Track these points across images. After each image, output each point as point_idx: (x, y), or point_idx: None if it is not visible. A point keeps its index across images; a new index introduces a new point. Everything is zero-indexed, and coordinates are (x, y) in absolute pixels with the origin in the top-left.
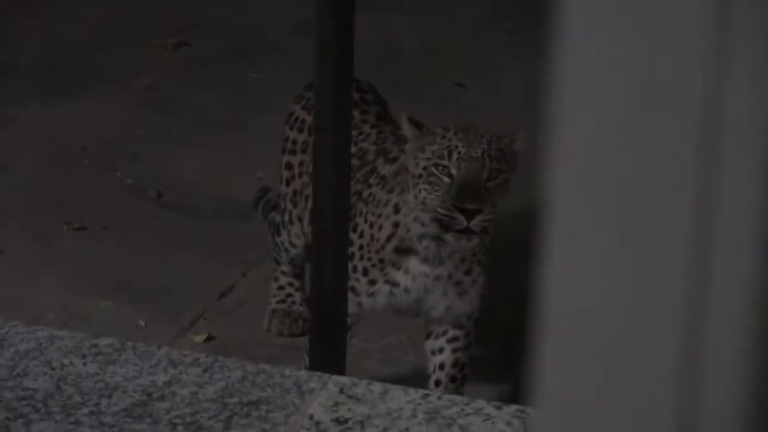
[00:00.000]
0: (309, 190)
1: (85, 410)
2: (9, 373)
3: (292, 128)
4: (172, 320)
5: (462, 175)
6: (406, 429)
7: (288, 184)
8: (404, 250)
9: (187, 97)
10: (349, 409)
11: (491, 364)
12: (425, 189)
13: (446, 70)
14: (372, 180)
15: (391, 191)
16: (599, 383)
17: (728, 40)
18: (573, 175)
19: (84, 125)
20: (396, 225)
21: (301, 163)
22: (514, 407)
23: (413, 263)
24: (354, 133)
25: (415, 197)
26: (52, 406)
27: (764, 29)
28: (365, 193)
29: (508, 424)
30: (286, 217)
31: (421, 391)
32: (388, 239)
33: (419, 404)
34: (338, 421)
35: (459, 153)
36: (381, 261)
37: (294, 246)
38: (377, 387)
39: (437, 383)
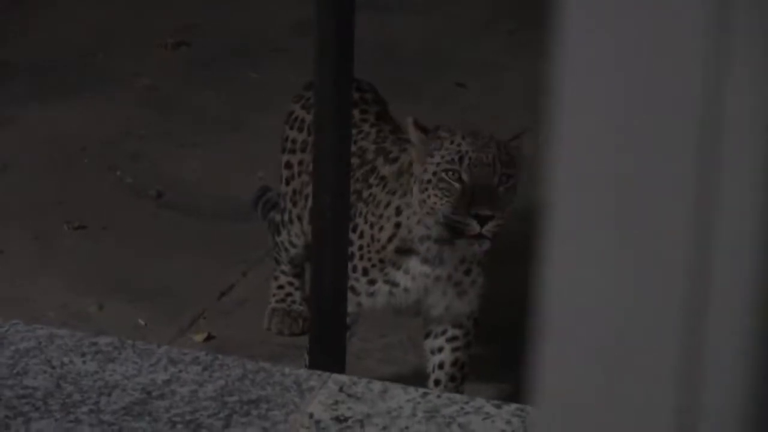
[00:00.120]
0: (308, 190)
1: (84, 408)
2: (9, 371)
3: (291, 127)
4: (172, 320)
5: (474, 181)
6: (406, 427)
7: (287, 183)
8: (405, 251)
9: (187, 97)
10: (349, 408)
11: (491, 364)
12: (435, 195)
13: (446, 70)
14: (372, 180)
15: (392, 193)
16: (599, 383)
17: (728, 40)
18: (573, 175)
19: (84, 125)
20: (398, 226)
21: (300, 163)
22: (513, 406)
23: (413, 264)
24: (353, 131)
25: (423, 202)
26: (51, 405)
27: (764, 29)
28: (365, 193)
29: (508, 422)
30: (286, 217)
31: (421, 390)
32: (390, 240)
33: (419, 403)
34: (338, 420)
35: (470, 158)
36: (381, 261)
37: (294, 245)
38: (377, 385)
39: (437, 382)
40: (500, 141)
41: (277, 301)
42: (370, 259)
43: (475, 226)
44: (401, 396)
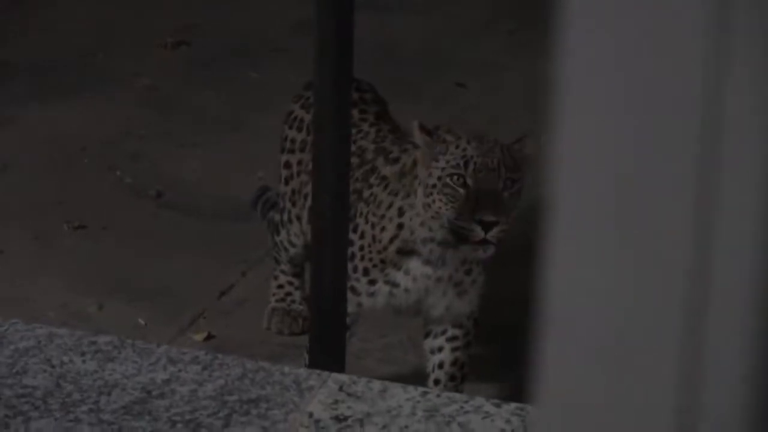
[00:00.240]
0: (308, 189)
1: (84, 408)
2: (8, 370)
3: (291, 127)
4: (171, 319)
5: (479, 187)
6: (406, 427)
7: (287, 183)
8: (406, 252)
9: (187, 97)
10: (349, 407)
11: (491, 364)
12: (440, 200)
13: (446, 70)
14: (372, 180)
15: (394, 193)
16: (600, 383)
17: (728, 40)
18: (574, 175)
19: (84, 125)
20: (400, 227)
21: (299, 162)
22: (513, 405)
23: (414, 264)
24: (353, 131)
25: (428, 206)
26: (51, 404)
27: (764, 29)
28: (366, 193)
29: (507, 422)
30: (285, 216)
31: (421, 389)
32: (391, 241)
33: (418, 402)
34: (338, 419)
35: (475, 163)
36: (382, 262)
37: (293, 245)
38: (376, 385)
39: (436, 382)
40: (505, 145)
41: (276, 301)
42: (371, 260)
43: (479, 232)
44: (401, 395)
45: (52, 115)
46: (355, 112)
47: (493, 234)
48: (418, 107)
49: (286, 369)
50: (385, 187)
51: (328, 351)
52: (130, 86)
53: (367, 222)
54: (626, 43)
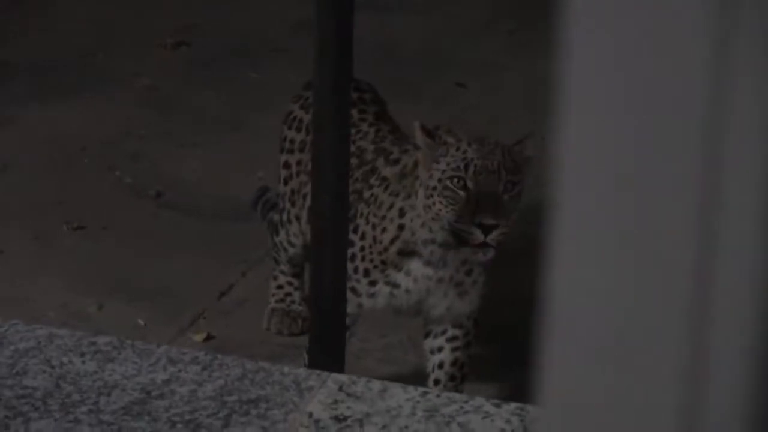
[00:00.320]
0: (307, 189)
1: (84, 408)
2: (8, 371)
3: (290, 127)
4: (171, 320)
5: (479, 189)
6: (405, 427)
7: (286, 183)
8: (407, 253)
9: (187, 97)
10: (349, 407)
11: (491, 364)
12: (440, 202)
13: (446, 70)
14: (373, 181)
15: (395, 194)
16: (601, 383)
17: (730, 40)
18: (576, 175)
19: (84, 125)
20: (401, 228)
21: (299, 162)
22: (513, 405)
23: (415, 265)
24: (352, 131)
25: (429, 208)
26: (51, 405)
27: (765, 29)
28: (366, 194)
29: (507, 422)
30: (285, 216)
31: (420, 389)
32: (392, 242)
33: (418, 402)
34: (337, 419)
35: (475, 166)
36: (383, 263)
37: (292, 245)
38: (376, 385)
39: (436, 382)
40: (506, 147)
41: (276, 301)
42: (371, 260)
43: (479, 235)
44: (401, 395)
45: (52, 115)
46: (354, 113)
47: (492, 237)
48: (418, 107)
49: (286, 369)
50: (386, 188)
51: (327, 351)
52: (130, 86)
53: (367, 223)
54: (627, 44)
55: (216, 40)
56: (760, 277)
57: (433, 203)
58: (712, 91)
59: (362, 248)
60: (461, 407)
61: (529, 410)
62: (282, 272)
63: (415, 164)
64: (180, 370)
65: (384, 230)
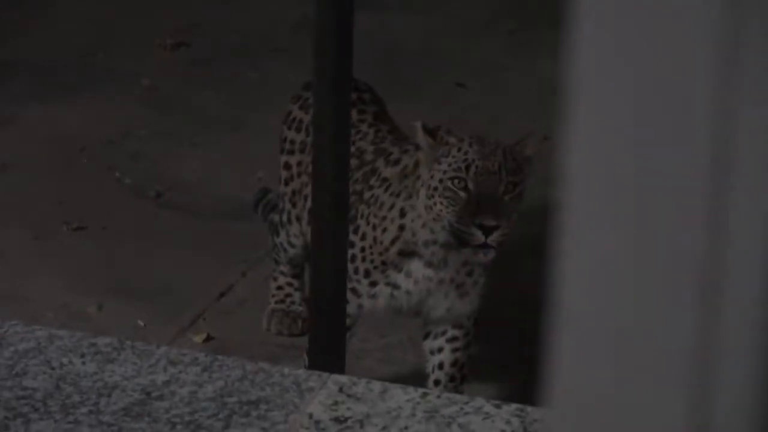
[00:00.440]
0: (308, 190)
1: (84, 409)
2: (8, 372)
3: (290, 128)
4: (171, 320)
5: (480, 190)
6: (406, 427)
7: (287, 184)
8: (407, 254)
9: (187, 97)
10: (349, 408)
11: (491, 364)
12: (441, 203)
13: (446, 70)
14: (373, 181)
15: (396, 195)
16: (609, 382)
17: (736, 40)
18: (583, 174)
19: (84, 125)
20: (401, 228)
21: (299, 163)
22: (513, 406)
23: (416, 266)
24: (351, 132)
25: (430, 208)
26: (51, 406)
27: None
28: (366, 195)
29: (507, 422)
30: (285, 217)
31: (421, 390)
32: (393, 242)
33: (418, 403)
34: (338, 420)
35: (476, 167)
36: (383, 263)
37: (293, 246)
38: (376, 386)
39: (436, 383)
40: (507, 147)
41: (276, 302)
42: (372, 261)
43: (479, 236)
44: (401, 396)
45: (52, 115)
46: (353, 113)
47: (493, 238)
48: (418, 107)
49: (286, 370)
50: (387, 188)
51: (327, 351)
52: (130, 86)
53: (368, 223)
54: (633, 44)
55: (216, 40)
56: (765, 277)
57: (434, 204)
58: (717, 91)
59: (363, 249)
60: (461, 408)
61: (530, 411)
62: (282, 273)
63: (416, 164)
64: (180, 372)
65: (384, 231)
